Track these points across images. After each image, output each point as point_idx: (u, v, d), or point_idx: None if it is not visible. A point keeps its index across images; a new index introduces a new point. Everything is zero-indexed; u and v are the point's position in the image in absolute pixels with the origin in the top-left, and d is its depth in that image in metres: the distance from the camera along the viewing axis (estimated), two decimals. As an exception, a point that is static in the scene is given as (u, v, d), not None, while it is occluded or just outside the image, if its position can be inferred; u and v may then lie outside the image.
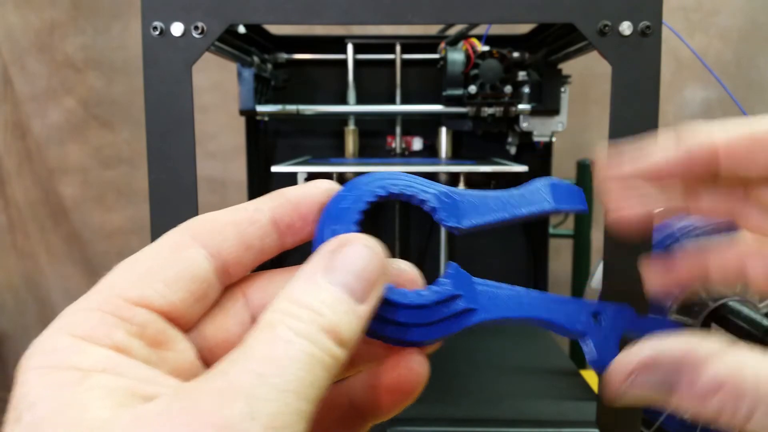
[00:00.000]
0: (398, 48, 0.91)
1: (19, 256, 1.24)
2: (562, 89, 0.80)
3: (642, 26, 0.44)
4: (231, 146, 1.15)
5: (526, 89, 0.81)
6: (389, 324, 0.19)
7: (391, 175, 0.21)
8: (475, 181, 0.79)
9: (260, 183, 0.95)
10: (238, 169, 1.00)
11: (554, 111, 0.81)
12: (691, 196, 0.24)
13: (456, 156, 0.92)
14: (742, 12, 1.15)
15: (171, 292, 0.18)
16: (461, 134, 0.93)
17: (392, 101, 0.92)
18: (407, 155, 0.94)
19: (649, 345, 0.19)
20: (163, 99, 0.45)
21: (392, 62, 0.92)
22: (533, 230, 0.97)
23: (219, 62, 0.78)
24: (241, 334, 0.19)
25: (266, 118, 0.93)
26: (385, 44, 0.92)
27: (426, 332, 0.20)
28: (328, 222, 0.20)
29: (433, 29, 0.93)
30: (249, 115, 0.83)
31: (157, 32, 0.44)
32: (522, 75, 0.80)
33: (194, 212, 0.46)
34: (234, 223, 0.19)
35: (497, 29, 0.87)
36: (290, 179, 0.75)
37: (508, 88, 0.78)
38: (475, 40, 0.81)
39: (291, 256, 0.23)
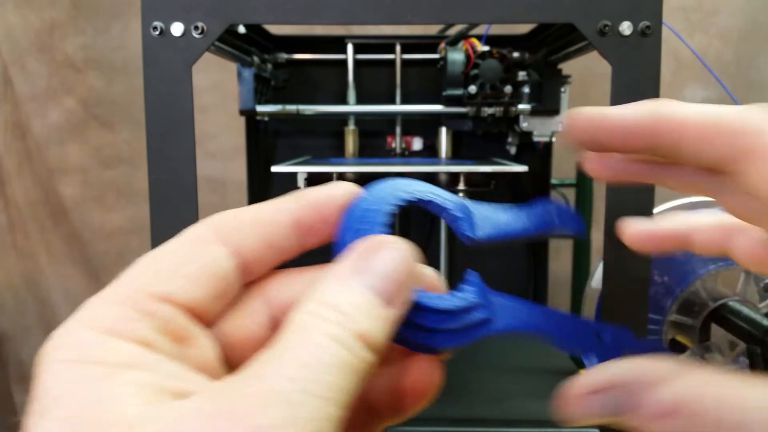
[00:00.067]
0: (398, 48, 0.91)
1: (19, 256, 1.24)
2: (562, 89, 0.80)
3: (642, 26, 0.44)
4: (231, 146, 1.15)
5: (526, 89, 0.81)
6: (415, 328, 0.19)
7: (411, 181, 0.21)
8: (475, 181, 0.79)
9: (260, 183, 0.95)
10: (238, 169, 1.00)
11: (554, 111, 0.81)
12: (662, 170, 0.23)
13: (456, 156, 0.92)
14: (742, 12, 1.15)
15: (193, 288, 0.18)
16: (461, 134, 0.93)
17: (392, 101, 0.92)
18: (407, 155, 0.94)
19: (604, 368, 0.19)
20: (163, 99, 0.45)
21: (392, 62, 0.92)
22: (533, 230, 0.96)
23: (219, 62, 0.78)
24: (260, 332, 0.19)
25: (266, 118, 0.93)
26: (385, 44, 0.92)
27: (450, 338, 0.20)
28: (351, 224, 0.20)
29: (433, 29, 0.93)
30: (249, 115, 0.83)
31: (157, 32, 0.44)
32: (522, 75, 0.80)
33: (194, 212, 0.46)
34: (257, 222, 0.19)
35: (497, 29, 0.87)
36: (290, 179, 0.75)
37: (508, 88, 0.77)
38: (475, 40, 0.81)
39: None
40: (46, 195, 1.23)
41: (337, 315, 0.16)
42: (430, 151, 0.94)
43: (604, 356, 0.23)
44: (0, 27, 1.18)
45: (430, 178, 0.82)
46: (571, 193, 1.00)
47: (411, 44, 0.92)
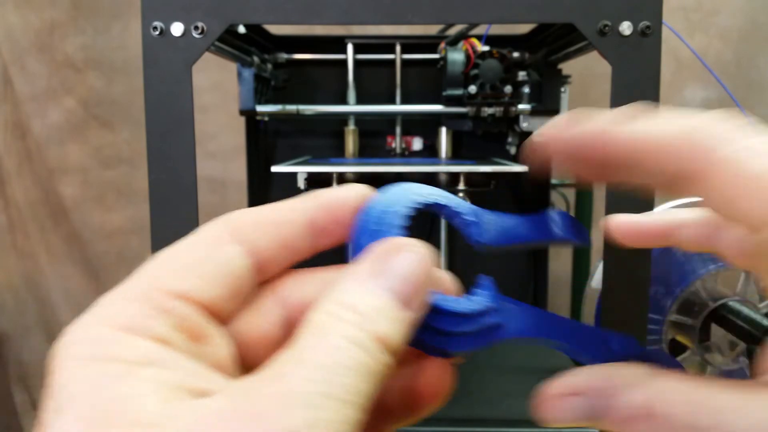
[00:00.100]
0: (398, 48, 0.91)
1: (19, 256, 1.24)
2: (562, 89, 0.80)
3: (642, 26, 0.44)
4: (231, 146, 1.15)
5: (526, 89, 0.81)
6: (431, 331, 0.19)
7: (423, 186, 0.21)
8: (475, 181, 0.79)
9: (260, 183, 0.95)
10: (238, 169, 1.00)
11: (554, 111, 0.81)
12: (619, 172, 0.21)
13: (456, 156, 0.92)
14: (742, 12, 1.15)
15: (209, 286, 0.18)
16: (461, 134, 0.93)
17: (392, 101, 0.92)
18: (407, 155, 0.94)
19: (576, 372, 0.20)
20: (163, 99, 0.45)
21: (392, 62, 0.92)
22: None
23: (219, 62, 0.78)
24: (272, 332, 0.19)
25: (266, 118, 0.93)
26: (385, 44, 0.92)
27: (465, 342, 0.20)
28: (367, 226, 0.20)
29: (433, 29, 0.93)
30: (249, 115, 0.83)
31: (157, 32, 0.44)
32: (522, 75, 0.80)
33: (194, 212, 0.46)
34: (272, 222, 0.19)
35: (497, 29, 0.87)
36: (290, 179, 0.75)
37: (508, 88, 0.77)
38: (475, 40, 0.81)
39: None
40: (46, 195, 1.23)
41: (356, 316, 0.16)
42: (430, 151, 0.94)
43: None
44: (0, 27, 1.18)
45: (430, 178, 0.82)
46: (570, 193, 1.00)
47: (411, 44, 0.92)
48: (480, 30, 0.83)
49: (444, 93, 0.80)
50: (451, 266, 0.89)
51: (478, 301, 0.20)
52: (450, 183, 0.80)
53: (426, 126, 0.94)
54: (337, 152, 0.95)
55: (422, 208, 0.21)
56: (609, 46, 0.44)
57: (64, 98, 1.21)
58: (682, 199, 0.65)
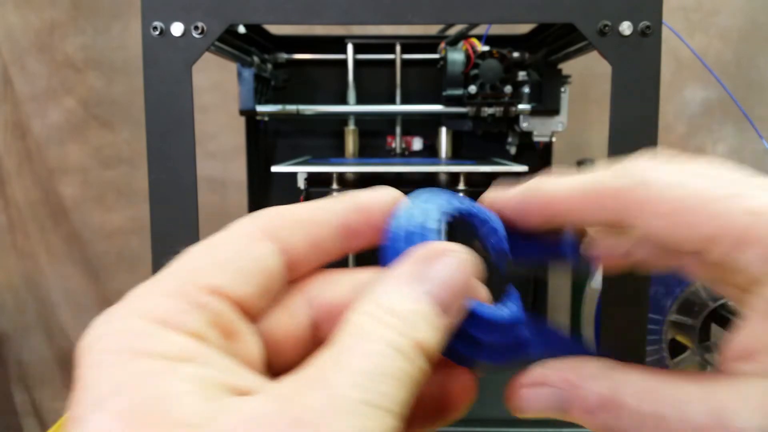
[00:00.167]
0: (398, 48, 0.91)
1: (19, 256, 1.24)
2: (562, 89, 0.80)
3: (642, 26, 0.44)
4: (231, 146, 1.15)
5: (526, 89, 0.81)
6: (465, 340, 0.19)
7: (453, 193, 0.22)
8: (475, 181, 0.79)
9: (260, 183, 0.95)
10: (238, 169, 1.00)
11: (554, 111, 0.80)
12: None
13: (456, 156, 0.92)
14: (742, 12, 1.15)
15: (243, 282, 0.17)
16: (461, 134, 0.93)
17: (392, 101, 0.92)
18: (407, 155, 0.94)
19: (543, 364, 0.20)
20: (163, 99, 0.45)
21: (392, 62, 0.92)
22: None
23: (219, 62, 0.78)
24: (300, 331, 0.19)
25: (266, 118, 0.93)
26: (385, 44, 0.92)
27: (495, 354, 0.20)
28: (402, 230, 0.19)
29: (433, 29, 0.93)
30: (249, 115, 0.83)
31: (157, 32, 0.44)
32: (522, 75, 0.80)
33: (194, 212, 0.46)
34: (305, 222, 0.19)
35: (497, 29, 0.87)
36: (290, 179, 0.75)
37: (508, 88, 0.77)
38: (475, 40, 0.81)
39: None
40: (46, 195, 1.23)
41: (396, 321, 0.16)
42: (430, 151, 0.94)
43: None
44: (0, 27, 1.18)
45: (430, 178, 0.82)
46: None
47: (411, 44, 0.92)
48: (480, 30, 0.83)
49: (444, 93, 0.80)
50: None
51: (514, 310, 0.20)
52: (450, 183, 0.81)
53: (426, 126, 0.94)
54: (337, 152, 0.95)
55: (456, 215, 0.21)
56: (609, 46, 0.44)
57: (64, 98, 1.21)
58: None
